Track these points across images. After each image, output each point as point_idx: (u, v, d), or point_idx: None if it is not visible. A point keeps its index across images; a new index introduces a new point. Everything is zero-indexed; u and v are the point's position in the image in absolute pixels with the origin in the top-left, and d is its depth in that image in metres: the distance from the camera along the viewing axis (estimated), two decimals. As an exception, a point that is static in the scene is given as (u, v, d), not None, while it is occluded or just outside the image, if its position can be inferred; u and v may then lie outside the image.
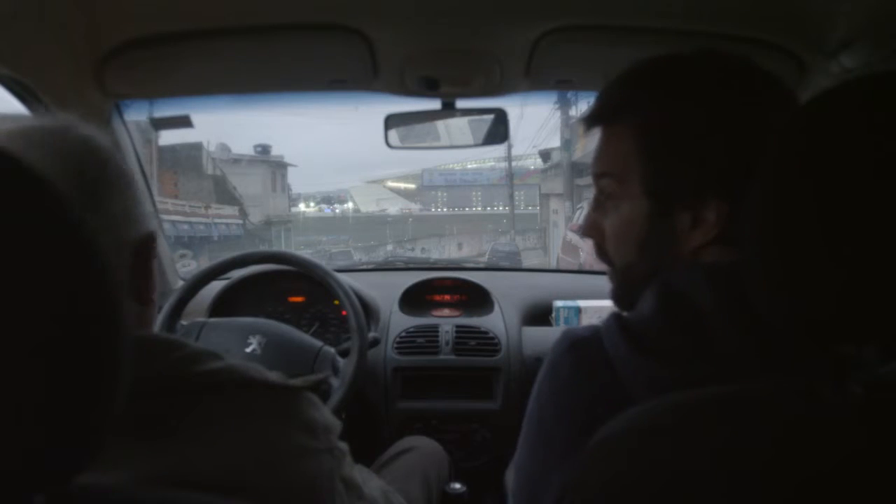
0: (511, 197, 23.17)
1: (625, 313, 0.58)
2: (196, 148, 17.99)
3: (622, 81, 0.61)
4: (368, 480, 0.70)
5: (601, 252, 0.66)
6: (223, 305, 1.53)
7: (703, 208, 0.56)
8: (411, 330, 1.51)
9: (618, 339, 0.54)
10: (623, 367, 0.53)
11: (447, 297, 1.71)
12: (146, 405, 0.46)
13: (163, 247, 1.58)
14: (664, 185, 0.58)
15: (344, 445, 0.62)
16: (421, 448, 1.22)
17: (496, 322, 1.53)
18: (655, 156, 0.58)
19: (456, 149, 1.43)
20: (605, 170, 0.62)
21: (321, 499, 0.55)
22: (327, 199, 35.66)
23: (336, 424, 0.61)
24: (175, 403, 0.49)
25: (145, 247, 0.55)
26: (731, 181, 0.54)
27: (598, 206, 0.65)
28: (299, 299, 1.58)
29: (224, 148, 20.68)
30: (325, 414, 0.59)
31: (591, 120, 0.63)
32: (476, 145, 1.38)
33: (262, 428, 0.52)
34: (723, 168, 0.55)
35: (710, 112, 0.56)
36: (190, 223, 15.60)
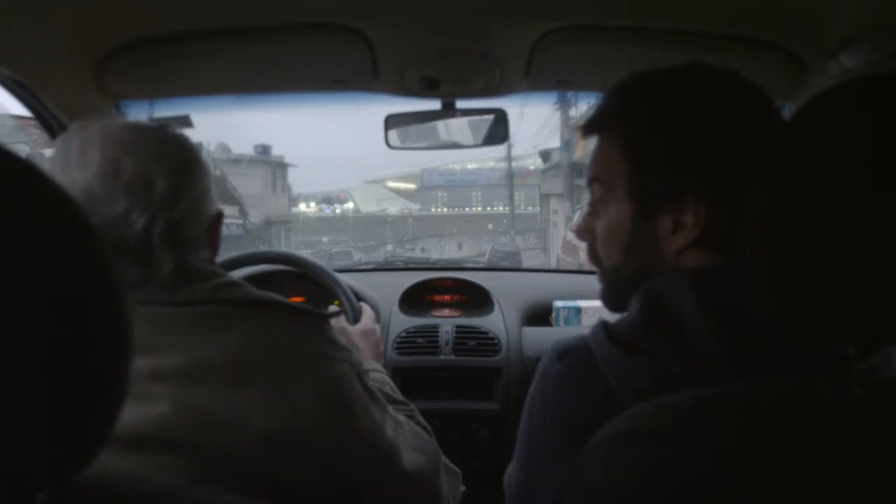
0: (511, 197, 23.18)
1: (612, 320, 0.60)
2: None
3: (613, 92, 0.65)
4: (394, 412, 0.76)
5: (592, 254, 0.69)
6: None
7: (682, 212, 0.59)
8: (411, 330, 1.51)
9: (605, 344, 0.56)
10: (611, 371, 0.55)
11: (447, 297, 1.70)
12: (198, 310, 0.61)
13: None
14: (645, 190, 0.61)
15: (363, 366, 0.73)
16: None
17: (496, 322, 1.53)
18: (637, 162, 0.61)
19: (456, 149, 1.43)
20: (595, 175, 0.66)
21: (339, 395, 0.64)
22: (327, 199, 35.65)
23: (354, 351, 0.72)
24: (219, 311, 0.62)
25: (217, 220, 0.74)
26: (708, 186, 0.58)
27: (591, 209, 0.68)
28: (299, 299, 1.58)
29: (224, 148, 20.67)
30: (344, 341, 0.70)
31: (585, 128, 0.68)
32: (476, 146, 1.38)
33: (291, 335, 0.64)
34: (700, 174, 0.58)
35: (687, 122, 0.59)
36: (190, 223, 15.53)
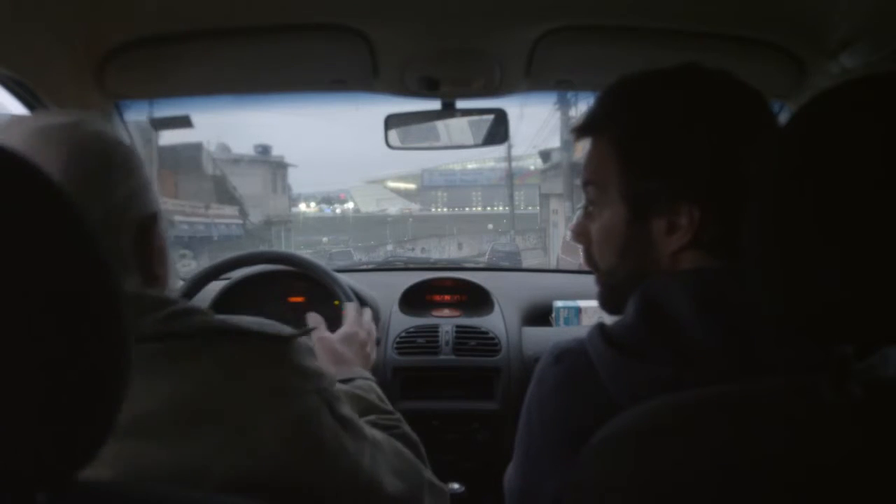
0: (511, 197, 23.20)
1: (608, 322, 0.60)
2: (196, 148, 17.98)
3: (605, 95, 0.65)
4: (374, 430, 0.71)
5: (588, 256, 0.69)
6: (223, 305, 1.53)
7: (676, 214, 0.59)
8: (411, 330, 1.51)
9: (601, 347, 0.56)
10: (607, 373, 0.55)
11: (447, 297, 1.70)
12: (146, 349, 0.53)
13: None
14: (639, 191, 0.61)
15: (338, 390, 0.65)
16: None
17: (496, 322, 1.53)
18: (630, 165, 0.61)
19: (456, 149, 1.43)
20: (589, 178, 0.66)
21: (309, 434, 0.59)
22: (327, 199, 35.67)
23: (329, 373, 0.65)
24: (169, 348, 0.54)
25: (148, 225, 0.62)
26: (702, 187, 0.58)
27: (586, 212, 0.68)
28: (299, 299, 1.58)
29: (224, 148, 20.69)
30: (316, 362, 0.63)
31: (578, 131, 0.67)
32: (476, 146, 1.38)
33: (252, 369, 0.57)
34: (694, 175, 0.58)
35: (679, 123, 0.59)
36: (190, 223, 15.58)
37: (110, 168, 0.59)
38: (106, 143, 0.60)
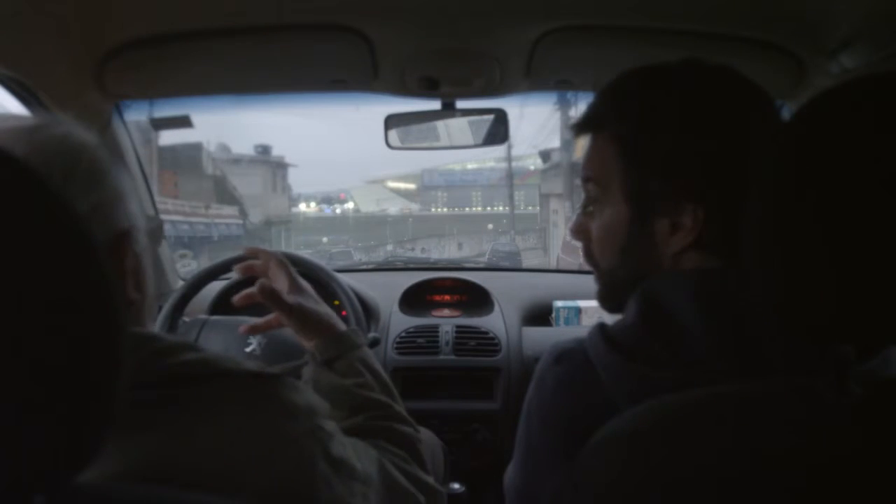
0: (511, 197, 23.21)
1: (609, 322, 0.59)
2: (196, 148, 18.01)
3: (607, 91, 0.64)
4: (363, 455, 0.66)
5: (588, 254, 0.68)
6: (224, 305, 1.54)
7: (680, 214, 0.58)
8: (411, 330, 1.51)
9: (601, 347, 0.55)
10: (607, 374, 0.54)
11: (447, 297, 1.71)
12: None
13: (163, 247, 1.58)
14: (642, 191, 0.60)
15: (331, 425, 0.60)
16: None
17: (496, 322, 1.53)
18: (633, 164, 0.60)
19: (456, 149, 1.43)
20: (590, 175, 0.65)
21: (302, 485, 0.54)
22: (327, 199, 35.70)
23: (321, 405, 0.60)
24: (149, 397, 0.48)
25: (118, 243, 0.54)
26: (707, 187, 0.57)
27: (586, 209, 0.67)
28: None
29: (224, 148, 20.75)
30: (306, 396, 0.58)
31: (577, 128, 0.66)
32: (476, 146, 1.38)
33: (237, 417, 0.52)
34: (699, 175, 0.57)
35: (684, 121, 0.58)
36: (190, 223, 15.60)
37: (69, 178, 0.52)
38: (68, 150, 0.53)
